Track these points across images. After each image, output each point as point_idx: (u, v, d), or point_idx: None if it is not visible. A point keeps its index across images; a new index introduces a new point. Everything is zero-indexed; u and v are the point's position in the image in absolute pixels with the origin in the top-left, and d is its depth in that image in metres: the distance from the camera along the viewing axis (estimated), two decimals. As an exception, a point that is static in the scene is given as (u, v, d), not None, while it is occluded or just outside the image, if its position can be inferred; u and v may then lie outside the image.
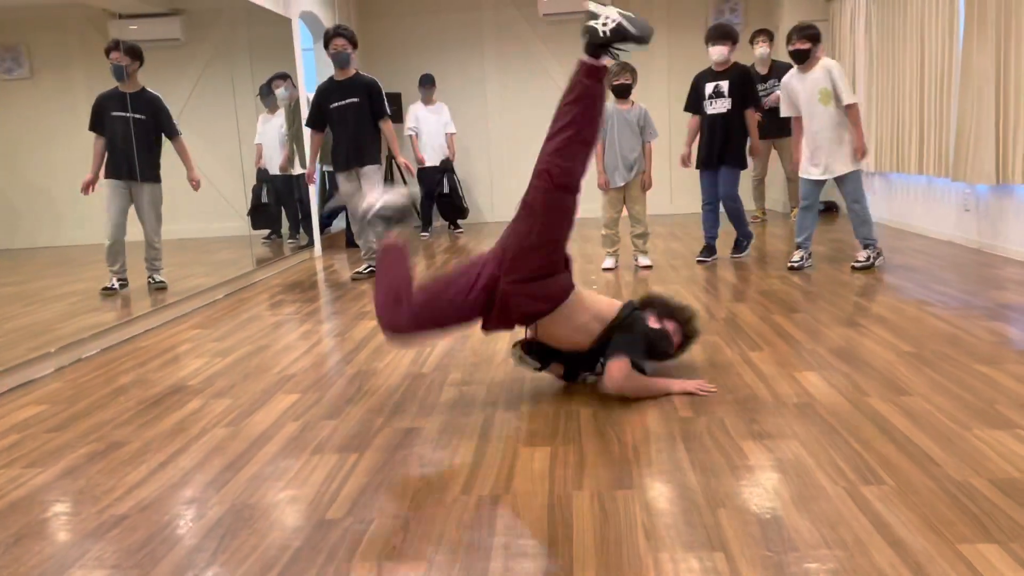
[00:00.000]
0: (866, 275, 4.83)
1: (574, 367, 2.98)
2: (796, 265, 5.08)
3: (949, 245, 5.77)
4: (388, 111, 5.62)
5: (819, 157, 5.00)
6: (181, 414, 2.91)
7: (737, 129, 5.50)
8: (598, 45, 2.67)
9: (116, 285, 4.87)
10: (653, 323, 2.96)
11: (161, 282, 5.08)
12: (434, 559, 1.80)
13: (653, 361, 2.99)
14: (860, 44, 7.34)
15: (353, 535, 1.93)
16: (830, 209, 8.38)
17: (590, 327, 2.84)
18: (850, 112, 4.91)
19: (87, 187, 4.79)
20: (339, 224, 8.14)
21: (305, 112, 6.58)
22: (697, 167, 5.66)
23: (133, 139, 4.86)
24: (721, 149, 5.48)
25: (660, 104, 8.58)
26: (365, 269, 5.69)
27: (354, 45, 5.45)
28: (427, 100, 8.32)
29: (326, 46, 5.44)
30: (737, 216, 5.59)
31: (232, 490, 2.22)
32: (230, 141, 6.40)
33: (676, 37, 8.80)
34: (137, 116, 4.85)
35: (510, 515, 1.99)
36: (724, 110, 5.46)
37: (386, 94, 8.73)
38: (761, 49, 7.16)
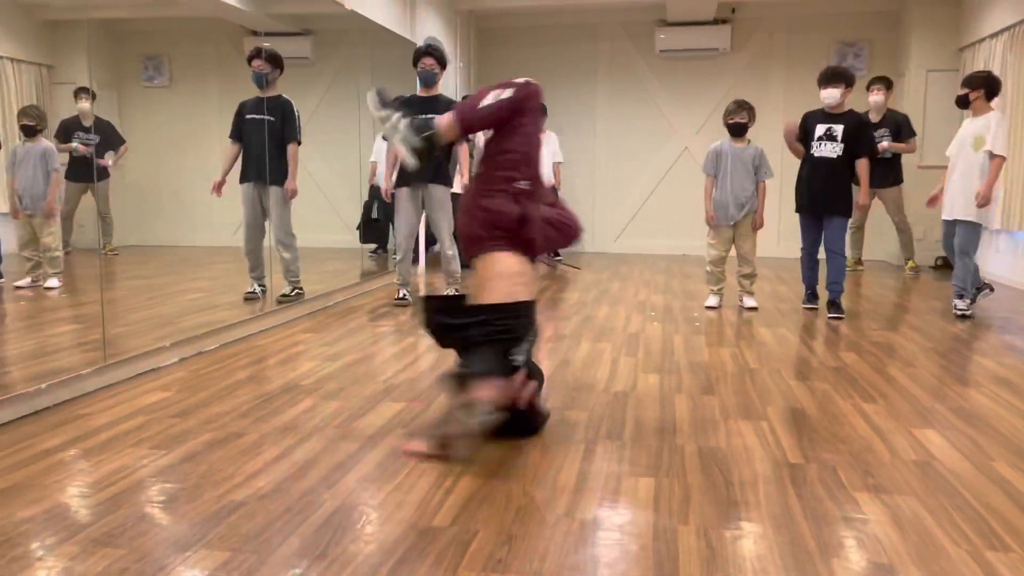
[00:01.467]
0: (989, 334, 4.60)
1: None
2: (960, 313, 5.16)
3: (1080, 311, 5.44)
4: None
5: (951, 197, 5.18)
6: (294, 411, 3.02)
7: (845, 176, 5.19)
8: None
9: (257, 291, 5.07)
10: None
11: (294, 293, 5.19)
12: (539, 576, 1.81)
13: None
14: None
15: (458, 544, 1.96)
16: (948, 264, 8.03)
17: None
18: (992, 161, 4.97)
19: (216, 188, 5.02)
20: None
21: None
22: (797, 211, 5.42)
23: (265, 142, 5.04)
24: (828, 196, 5.18)
25: (775, 145, 8.43)
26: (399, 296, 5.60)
27: (443, 66, 5.40)
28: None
29: (415, 63, 5.38)
30: (840, 270, 5.22)
31: (343, 489, 2.29)
32: (350, 157, 6.65)
33: (794, 77, 8.66)
34: (269, 118, 5.03)
35: (613, 542, 1.98)
36: (834, 155, 5.15)
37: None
38: (876, 97, 6.96)
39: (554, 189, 8.42)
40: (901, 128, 7.06)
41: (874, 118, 6.95)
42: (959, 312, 5.12)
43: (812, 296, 5.46)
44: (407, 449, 2.53)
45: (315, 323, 4.88)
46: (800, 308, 5.46)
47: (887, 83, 7.06)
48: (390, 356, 3.99)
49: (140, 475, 2.39)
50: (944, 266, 8.01)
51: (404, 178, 5.31)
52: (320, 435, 2.75)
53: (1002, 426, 2.92)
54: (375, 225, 7.21)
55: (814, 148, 5.24)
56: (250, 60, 5.03)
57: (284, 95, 5.12)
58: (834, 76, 5.18)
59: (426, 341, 4.36)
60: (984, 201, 4.91)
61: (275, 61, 5.08)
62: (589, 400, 3.23)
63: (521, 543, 1.97)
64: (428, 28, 7.74)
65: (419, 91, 5.48)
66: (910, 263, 7.43)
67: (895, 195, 7.14)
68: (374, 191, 7.18)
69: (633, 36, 9.10)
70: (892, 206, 7.18)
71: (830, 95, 5.16)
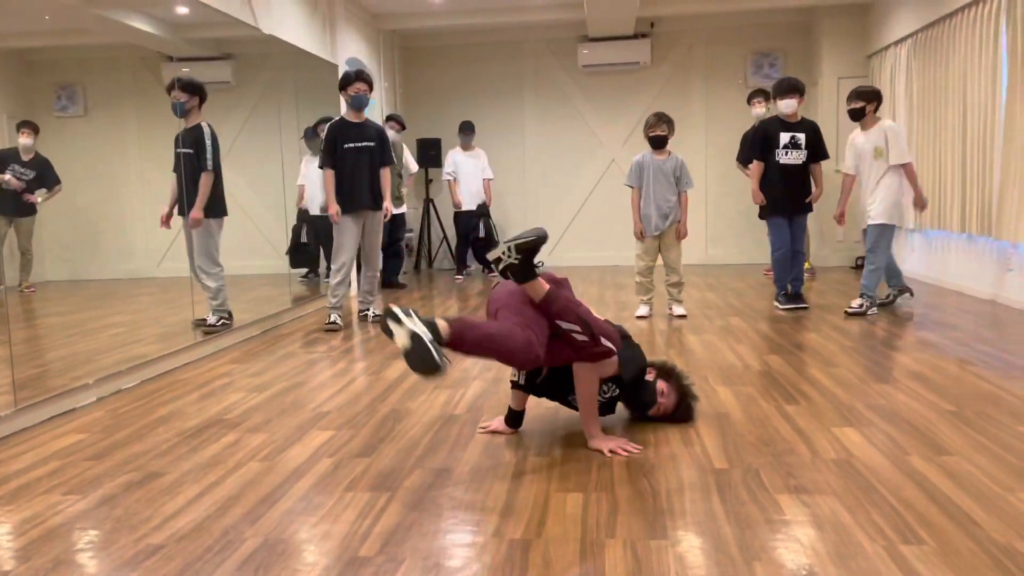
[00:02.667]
0: (905, 331, 4.77)
1: (558, 386, 2.96)
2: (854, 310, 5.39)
3: (991, 304, 5.68)
4: (393, 159, 5.77)
5: (867, 206, 5.39)
6: (218, 447, 2.94)
7: (807, 180, 5.69)
8: (520, 271, 2.72)
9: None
10: (649, 374, 3.02)
11: (220, 323, 5.10)
12: (465, 602, 1.79)
13: (631, 406, 3.08)
14: (900, 99, 7.35)
15: (385, 574, 1.93)
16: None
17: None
18: (905, 170, 5.27)
19: (163, 220, 4.94)
20: (375, 265, 8.23)
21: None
22: (766, 216, 5.78)
23: (183, 172, 4.93)
24: (797, 199, 5.64)
25: (696, 155, 8.63)
26: (371, 314, 5.77)
27: (371, 90, 5.54)
28: (466, 146, 8.47)
29: (345, 87, 5.46)
30: (803, 267, 5.79)
31: (266, 523, 2.23)
32: (274, 181, 6.55)
33: (713, 88, 8.88)
34: (187, 151, 4.95)
35: (541, 561, 1.98)
36: (800, 161, 5.61)
37: (426, 140, 8.98)
38: (758, 110, 7.19)
39: (485, 205, 8.47)
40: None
41: None
42: (850, 310, 5.37)
43: (797, 296, 5.74)
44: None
45: (242, 353, 4.78)
46: (727, 314, 5.56)
47: (766, 95, 7.23)
48: (320, 383, 3.93)
49: (52, 523, 2.30)
50: (862, 267, 8.28)
51: (347, 204, 5.46)
52: (244, 470, 2.68)
53: (917, 420, 3.02)
54: (305, 249, 7.11)
55: (779, 156, 5.61)
56: (169, 90, 4.94)
57: (203, 123, 5.03)
58: (791, 88, 5.58)
59: (359, 364, 4.31)
60: (923, 204, 5.38)
61: (192, 89, 4.99)
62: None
63: (449, 568, 1.95)
64: (349, 49, 7.70)
65: (348, 115, 5.53)
66: (807, 264, 7.65)
67: None
68: (302, 215, 7.09)
69: (557, 52, 9.21)
70: None
71: (788, 105, 5.56)
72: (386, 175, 5.62)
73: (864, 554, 1.96)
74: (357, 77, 5.43)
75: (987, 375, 3.66)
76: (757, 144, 5.75)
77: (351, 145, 5.47)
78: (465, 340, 2.50)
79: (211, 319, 5.05)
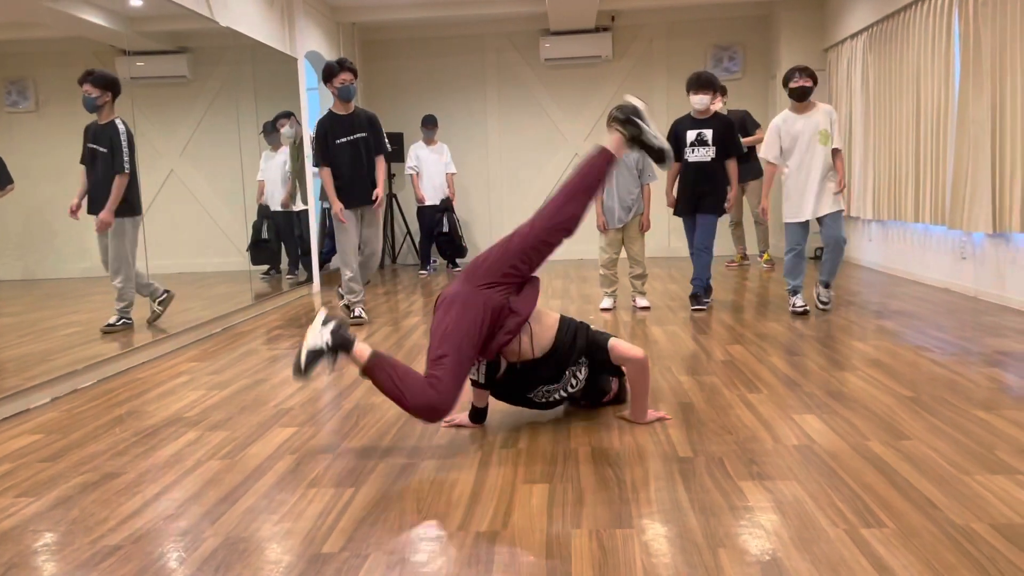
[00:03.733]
0: (863, 319, 4.85)
1: (518, 384, 2.97)
2: (803, 309, 5.05)
3: (946, 292, 5.80)
4: (388, 147, 5.58)
5: (808, 198, 4.98)
6: (176, 446, 2.89)
7: (719, 178, 5.45)
8: (635, 142, 3.08)
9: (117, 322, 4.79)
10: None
11: (120, 323, 4.84)
12: (431, 595, 1.77)
13: (589, 396, 3.14)
14: (857, 92, 7.46)
15: (349, 570, 1.90)
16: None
17: (544, 336, 2.91)
18: (838, 156, 4.99)
19: (71, 211, 4.73)
20: (337, 262, 8.15)
21: (308, 149, 6.62)
22: (677, 214, 5.60)
23: (95, 171, 4.69)
24: (700, 196, 5.40)
25: (659, 148, 8.66)
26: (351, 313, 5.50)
27: (356, 78, 5.36)
28: (428, 140, 8.42)
29: (330, 79, 5.28)
30: (706, 266, 5.46)
31: (227, 523, 2.20)
32: (233, 177, 6.45)
33: (675, 81, 8.93)
34: (100, 149, 4.71)
35: (507, 552, 1.97)
36: (708, 159, 5.39)
37: (389, 134, 8.88)
38: (716, 105, 7.12)
39: (448, 199, 8.44)
40: (746, 124, 7.37)
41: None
42: (821, 305, 5.15)
43: (705, 291, 5.57)
44: None
45: (202, 351, 4.70)
46: (690, 305, 5.60)
47: (723, 90, 7.19)
48: (283, 380, 3.87)
49: (5, 526, 2.23)
50: (820, 256, 8.40)
51: (346, 199, 5.30)
52: (203, 469, 2.63)
53: (875, 406, 3.07)
54: (265, 246, 7.02)
55: (687, 153, 5.44)
56: (80, 83, 4.68)
57: (118, 120, 4.75)
58: (704, 83, 5.39)
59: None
60: (843, 187, 5.02)
61: (104, 84, 4.69)
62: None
63: (414, 563, 1.93)
64: (309, 42, 7.60)
65: (335, 107, 5.34)
66: (765, 255, 7.74)
67: (757, 187, 7.37)
68: (263, 211, 6.99)
69: (519, 46, 9.19)
70: (754, 199, 7.44)
71: (699, 101, 5.40)
72: (381, 164, 5.44)
73: (826, 538, 1.98)
74: (341, 67, 5.25)
75: (943, 361, 3.74)
76: (670, 143, 5.56)
77: (343, 140, 5.28)
78: (375, 377, 2.69)
79: (112, 319, 4.82)
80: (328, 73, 5.30)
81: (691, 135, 5.44)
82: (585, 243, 9.18)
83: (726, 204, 5.52)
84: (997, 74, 5.05)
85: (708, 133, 5.40)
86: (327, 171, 5.29)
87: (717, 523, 2.09)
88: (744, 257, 7.95)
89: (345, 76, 5.24)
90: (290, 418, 3.20)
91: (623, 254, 5.56)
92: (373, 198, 5.37)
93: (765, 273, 7.34)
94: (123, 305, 4.86)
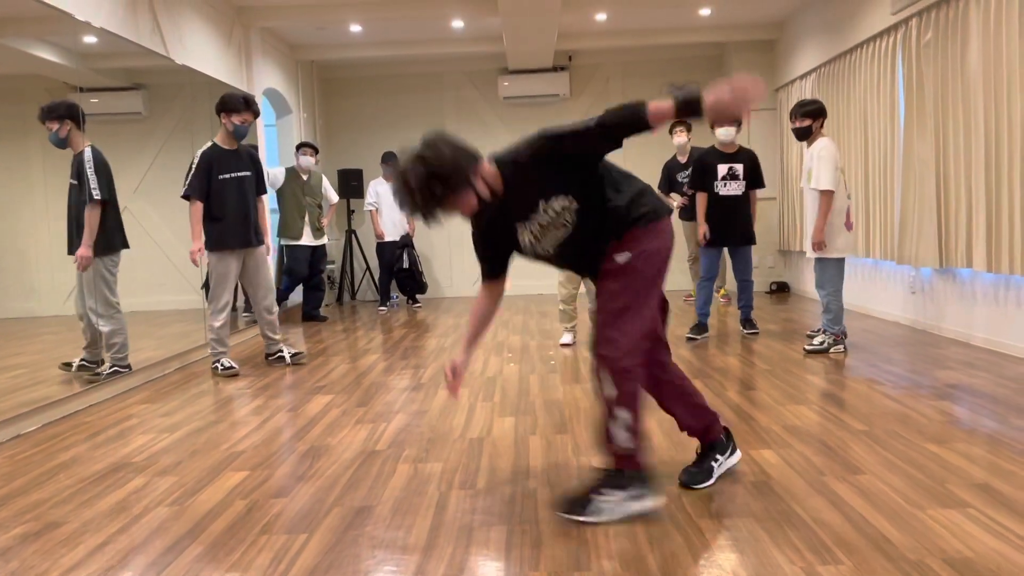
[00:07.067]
0: (818, 354, 4.91)
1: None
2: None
3: (896, 326, 5.92)
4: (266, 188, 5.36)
5: (807, 236, 5.00)
6: (122, 493, 2.80)
7: (748, 210, 5.70)
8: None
9: (74, 362, 4.60)
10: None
11: (112, 369, 4.69)
12: (384, 646, 1.73)
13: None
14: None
15: (300, 621, 1.85)
16: (783, 289, 8.58)
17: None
18: (821, 198, 4.82)
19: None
20: (295, 298, 8.07)
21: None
22: (708, 247, 5.69)
23: (70, 206, 4.55)
24: (738, 229, 5.63)
25: (617, 185, 8.77)
26: (290, 355, 5.31)
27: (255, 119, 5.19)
28: (388, 176, 8.40)
29: (231, 113, 5.00)
30: (752, 294, 5.79)
31: (173, 573, 2.12)
32: (188, 214, 6.35)
33: (632, 121, 9.08)
34: (72, 181, 4.54)
35: (464, 598, 1.93)
36: (739, 192, 5.64)
37: (348, 171, 8.89)
38: (679, 139, 7.24)
39: (408, 235, 8.42)
40: None
41: (682, 159, 7.28)
42: (806, 348, 4.96)
43: (700, 327, 5.66)
44: None
45: (153, 392, 4.59)
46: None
47: (687, 125, 7.37)
48: (236, 421, 3.79)
49: (-64, 583, 2.13)
50: (777, 291, 8.55)
51: (228, 240, 5.02)
52: (150, 516, 2.55)
53: (831, 440, 3.10)
54: (221, 283, 6.91)
55: (718, 187, 5.62)
56: (42, 122, 4.52)
57: (87, 148, 4.55)
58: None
59: (277, 401, 4.18)
60: (816, 246, 4.86)
61: (57, 115, 4.50)
62: (444, 450, 3.18)
63: (367, 611, 1.88)
64: (267, 79, 7.59)
65: (221, 141, 5.05)
66: (722, 291, 7.86)
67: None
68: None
69: (478, 84, 9.28)
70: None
71: (726, 133, 5.58)
72: (264, 206, 5.27)
73: (783, 576, 1.98)
74: (248, 106, 5.02)
75: (895, 394, 3.79)
76: (700, 176, 5.69)
77: (228, 176, 5.00)
78: None
79: (106, 368, 4.64)
80: (231, 106, 5.00)
81: (722, 169, 5.62)
82: (544, 278, 9.25)
83: (699, 239, 5.76)
84: (939, 114, 5.22)
85: (739, 168, 5.62)
86: (199, 206, 4.93)
87: (675, 563, 2.07)
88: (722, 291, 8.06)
89: (247, 116, 5.03)
90: (242, 461, 3.12)
91: (582, 289, 5.58)
92: (261, 241, 5.16)
93: (722, 307, 7.42)
94: (115, 351, 4.64)
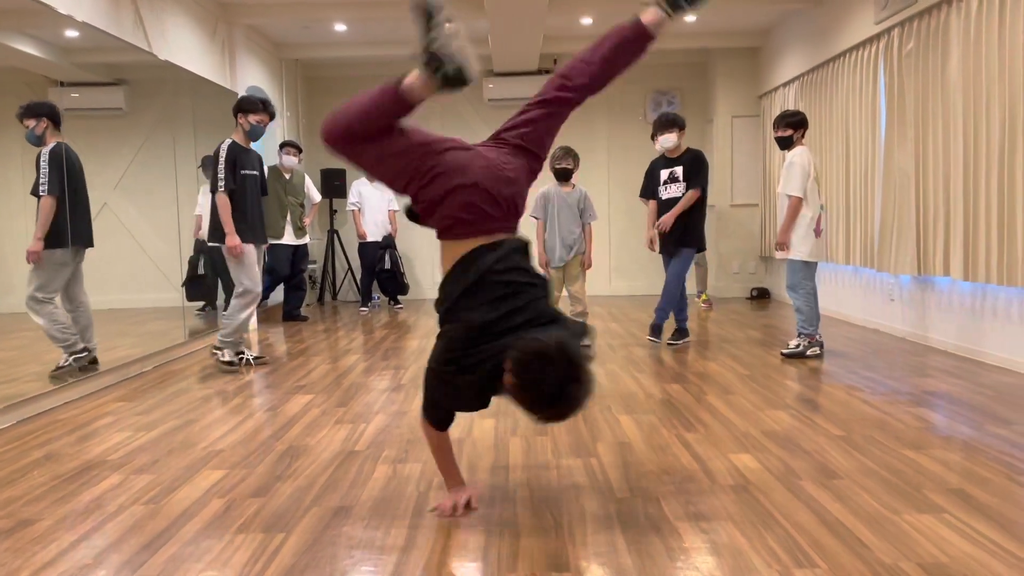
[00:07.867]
0: (796, 359, 4.95)
1: None
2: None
3: (875, 332, 5.97)
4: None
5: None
6: (97, 491, 2.76)
7: (692, 213, 5.50)
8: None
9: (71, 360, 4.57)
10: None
11: (66, 363, 4.60)
12: (360, 646, 1.72)
13: None
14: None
15: (275, 620, 1.83)
16: (763, 295, 8.63)
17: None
18: (788, 203, 5.00)
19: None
20: (276, 298, 8.02)
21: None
22: (661, 252, 5.68)
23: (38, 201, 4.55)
24: (674, 233, 5.49)
25: (600, 188, 8.82)
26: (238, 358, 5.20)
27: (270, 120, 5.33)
28: (371, 177, 8.38)
29: (248, 113, 5.11)
30: (673, 299, 5.56)
31: (148, 572, 2.10)
32: (168, 211, 6.31)
33: (616, 123, 9.13)
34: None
35: (441, 599, 1.93)
36: (679, 194, 5.50)
37: (330, 170, 8.85)
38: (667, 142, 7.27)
39: (390, 236, 8.39)
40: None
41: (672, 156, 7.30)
42: (783, 352, 5.03)
43: (680, 332, 5.63)
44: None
45: (130, 390, 4.54)
46: (630, 344, 5.65)
47: (682, 126, 7.37)
48: (214, 420, 3.76)
49: (-95, 580, 2.09)
50: (758, 297, 8.60)
51: (249, 235, 5.08)
52: (125, 515, 2.52)
53: (808, 445, 3.12)
54: (202, 281, 6.86)
55: (661, 191, 5.60)
56: (20, 119, 4.53)
57: (52, 144, 4.52)
58: (667, 123, 5.51)
59: (256, 400, 4.15)
60: (778, 246, 5.07)
61: (34, 113, 4.52)
62: (423, 451, 3.16)
63: (343, 611, 1.87)
64: (250, 77, 7.54)
65: (239, 139, 5.11)
66: (703, 296, 7.91)
67: None
68: (200, 246, 6.84)
69: (462, 85, 9.27)
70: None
71: (668, 139, 5.52)
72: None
73: (760, 579, 1.98)
74: (265, 108, 5.18)
75: (873, 400, 3.83)
76: (646, 184, 5.73)
77: (248, 172, 5.13)
78: None
79: (61, 360, 4.56)
80: (249, 107, 5.12)
81: (664, 174, 5.60)
82: (527, 281, 9.25)
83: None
84: (920, 123, 5.28)
85: (679, 170, 5.53)
86: (226, 199, 4.95)
87: (653, 565, 2.08)
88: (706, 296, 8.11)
89: (264, 117, 5.15)
90: (220, 460, 3.10)
91: (564, 292, 5.59)
92: (265, 240, 5.31)
93: (703, 313, 7.46)
94: (62, 342, 4.56)
